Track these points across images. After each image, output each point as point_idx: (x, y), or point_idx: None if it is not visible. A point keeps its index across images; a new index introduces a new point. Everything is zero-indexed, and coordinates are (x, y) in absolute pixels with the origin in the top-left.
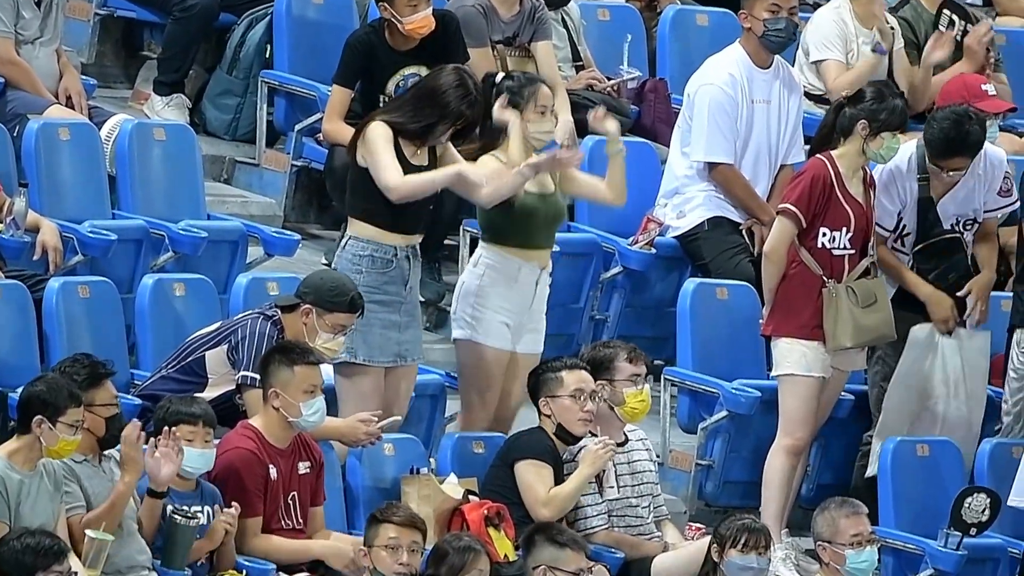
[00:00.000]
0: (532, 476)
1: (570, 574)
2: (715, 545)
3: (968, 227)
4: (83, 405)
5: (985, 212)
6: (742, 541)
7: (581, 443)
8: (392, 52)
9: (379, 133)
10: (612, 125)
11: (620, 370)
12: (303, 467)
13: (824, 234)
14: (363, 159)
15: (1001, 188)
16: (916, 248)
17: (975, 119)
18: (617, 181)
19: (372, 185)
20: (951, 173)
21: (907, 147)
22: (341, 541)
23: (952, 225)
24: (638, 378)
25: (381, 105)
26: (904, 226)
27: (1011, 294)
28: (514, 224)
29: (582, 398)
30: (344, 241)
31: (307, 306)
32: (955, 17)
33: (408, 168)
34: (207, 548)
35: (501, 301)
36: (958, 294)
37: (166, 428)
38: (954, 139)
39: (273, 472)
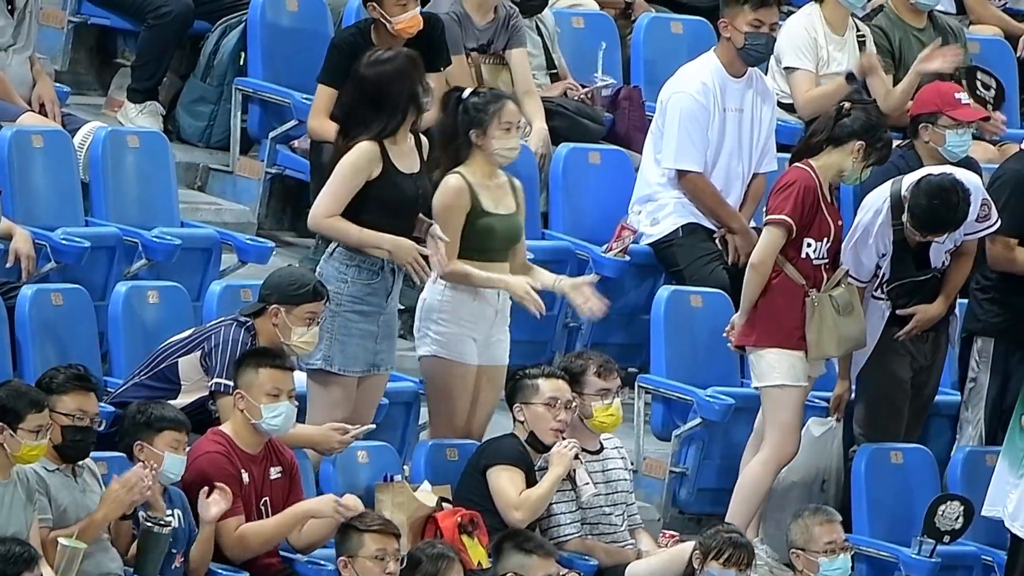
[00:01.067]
0: (504, 481)
1: None
2: (698, 552)
3: (949, 255)
4: (47, 411)
5: (965, 236)
6: (725, 555)
7: (552, 450)
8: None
9: (354, 159)
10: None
11: (589, 384)
12: (275, 472)
13: (809, 244)
14: None
15: (979, 215)
16: (892, 286)
17: (960, 193)
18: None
19: (365, 200)
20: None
21: (880, 193)
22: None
23: (937, 267)
24: (607, 392)
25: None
26: (884, 273)
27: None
28: (472, 241)
29: (556, 406)
30: (332, 249)
31: (274, 307)
32: (991, 81)
33: (402, 179)
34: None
35: (466, 316)
36: (897, 311)
37: (138, 446)
38: (942, 216)
39: (245, 477)
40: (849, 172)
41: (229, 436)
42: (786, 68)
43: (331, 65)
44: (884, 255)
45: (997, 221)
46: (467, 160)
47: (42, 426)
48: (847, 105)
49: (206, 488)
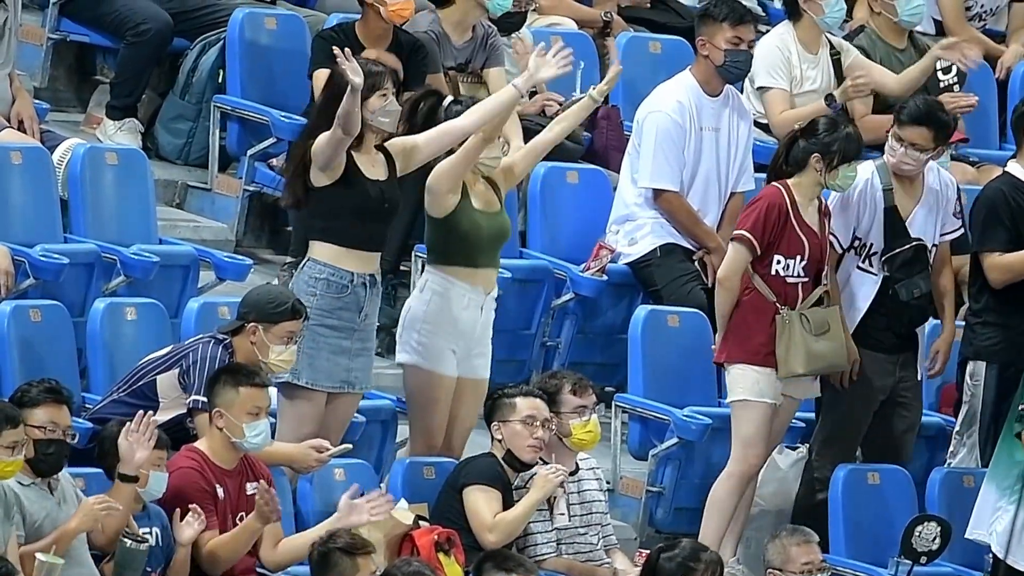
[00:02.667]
0: (480, 501)
1: None
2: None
3: (929, 252)
4: (23, 426)
5: (941, 235)
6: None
7: (533, 470)
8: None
9: (320, 137)
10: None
11: (565, 402)
12: (250, 488)
13: (779, 261)
14: (316, 176)
15: (954, 210)
16: (885, 258)
17: (948, 114)
18: (572, 122)
19: (329, 204)
20: (910, 150)
21: (866, 166)
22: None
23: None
24: (584, 409)
25: None
26: (871, 244)
27: (963, 323)
28: (460, 242)
29: (533, 424)
30: (303, 263)
31: (252, 324)
32: (956, 66)
33: (367, 183)
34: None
35: (448, 327)
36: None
37: (140, 412)
38: (924, 112)
39: (220, 492)
40: (830, 184)
41: (204, 452)
42: (759, 88)
43: (319, 53)
44: (863, 222)
45: (963, 227)
46: None
47: (17, 442)
48: (796, 128)
49: (179, 510)
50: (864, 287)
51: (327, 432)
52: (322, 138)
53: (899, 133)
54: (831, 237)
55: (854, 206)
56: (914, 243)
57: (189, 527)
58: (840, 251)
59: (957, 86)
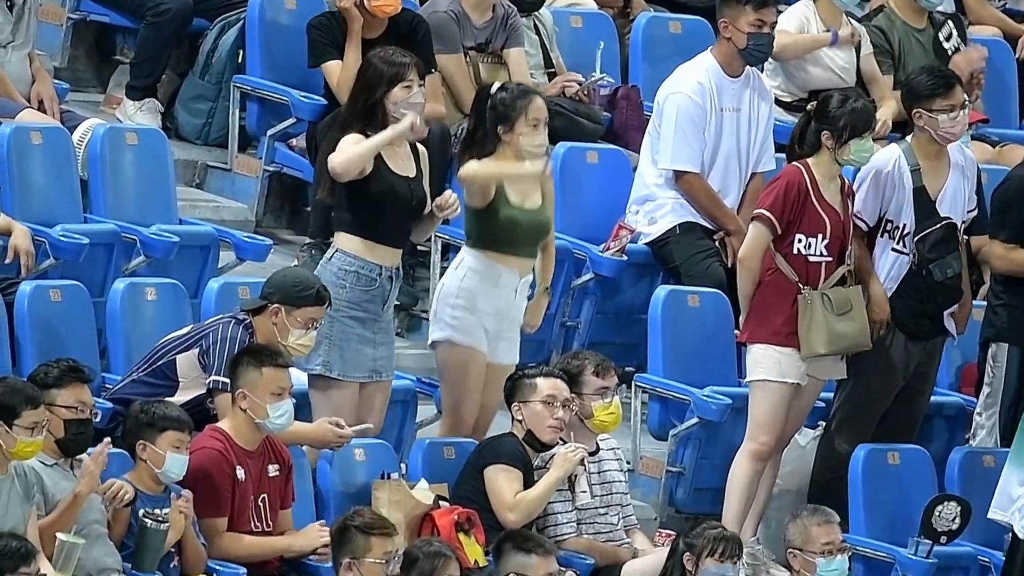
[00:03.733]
0: (501, 481)
1: None
2: (688, 554)
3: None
4: (43, 406)
5: (968, 212)
6: (719, 551)
7: (553, 450)
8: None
9: (346, 139)
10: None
11: (587, 384)
12: (272, 469)
13: (800, 240)
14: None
15: (976, 187)
16: (916, 238)
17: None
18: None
19: (357, 198)
20: (958, 113)
21: (892, 149)
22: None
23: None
24: (606, 391)
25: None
26: (904, 225)
27: (984, 303)
28: (497, 233)
29: (554, 405)
30: (331, 254)
31: (275, 306)
32: (954, 31)
33: (395, 179)
34: (172, 539)
35: (482, 305)
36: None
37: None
38: (940, 77)
39: (241, 473)
40: (843, 160)
41: (227, 432)
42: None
43: (318, 44)
44: (894, 200)
45: (977, 208)
46: (493, 155)
47: (38, 422)
48: (809, 109)
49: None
50: (896, 268)
51: (362, 422)
52: (336, 163)
53: (941, 104)
54: (859, 222)
55: (881, 188)
56: (944, 222)
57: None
58: (866, 230)
59: (962, 44)
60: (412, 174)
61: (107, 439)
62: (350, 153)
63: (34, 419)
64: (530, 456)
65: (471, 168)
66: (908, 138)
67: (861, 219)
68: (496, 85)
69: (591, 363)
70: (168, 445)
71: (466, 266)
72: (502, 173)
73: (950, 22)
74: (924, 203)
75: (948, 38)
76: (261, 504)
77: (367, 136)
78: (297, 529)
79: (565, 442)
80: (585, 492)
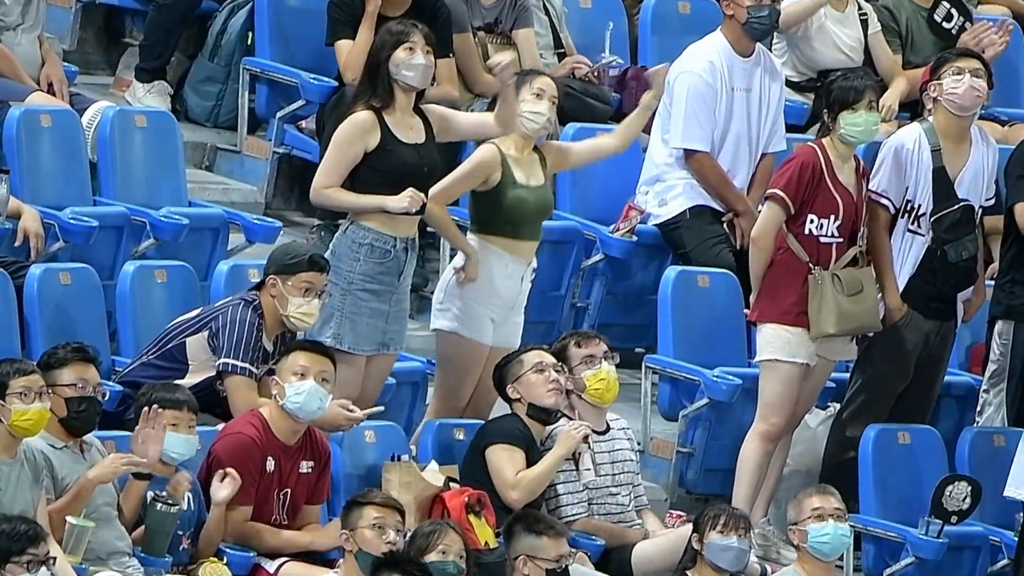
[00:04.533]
0: (503, 459)
1: (550, 562)
2: (695, 534)
3: (976, 214)
4: (36, 374)
5: (986, 200)
6: (721, 522)
7: (556, 425)
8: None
9: (346, 130)
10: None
11: (573, 356)
12: (305, 466)
13: (812, 221)
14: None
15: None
16: (933, 219)
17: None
18: (634, 130)
19: (370, 172)
20: (973, 78)
21: (914, 127)
22: (328, 534)
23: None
24: (592, 359)
25: None
26: (920, 206)
27: (991, 282)
28: (503, 215)
29: (544, 369)
30: (345, 226)
31: (271, 277)
32: (953, 11)
33: (404, 148)
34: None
35: (489, 296)
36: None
37: (146, 409)
38: (963, 47)
39: (270, 464)
40: (839, 133)
41: (266, 420)
42: None
43: (334, 22)
44: (917, 179)
45: (995, 196)
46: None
47: (29, 387)
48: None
49: (221, 472)
50: (914, 249)
51: (365, 392)
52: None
53: (957, 65)
54: (885, 201)
55: (903, 165)
56: (962, 204)
57: (224, 488)
58: (892, 212)
59: (968, 23)
60: (421, 140)
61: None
62: (332, 198)
63: (25, 384)
64: (534, 433)
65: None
66: (930, 118)
67: (886, 198)
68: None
69: (572, 337)
70: (166, 422)
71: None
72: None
73: (944, 2)
74: (943, 184)
75: (947, 19)
76: (282, 498)
77: (374, 109)
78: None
79: (570, 419)
80: (590, 470)
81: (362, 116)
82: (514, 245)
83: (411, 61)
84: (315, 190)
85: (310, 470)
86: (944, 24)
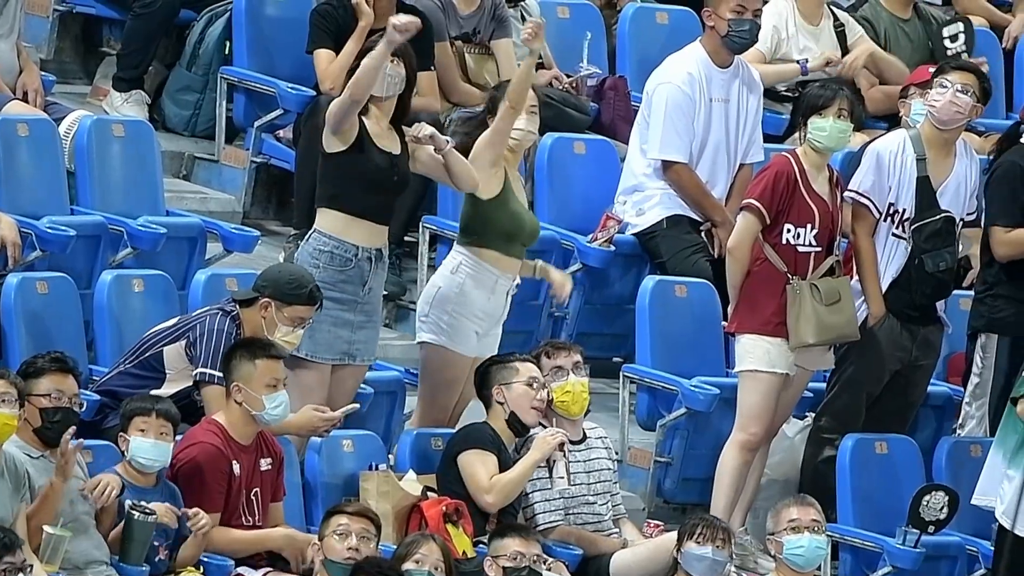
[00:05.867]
0: (476, 465)
1: (507, 559)
2: (675, 544)
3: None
4: (5, 380)
5: (968, 214)
6: (697, 532)
7: (530, 433)
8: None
9: (335, 103)
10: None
11: (543, 367)
12: (264, 464)
13: (788, 230)
14: (329, 142)
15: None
16: (914, 227)
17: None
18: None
19: (341, 170)
20: (959, 93)
21: (899, 132)
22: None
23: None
24: (560, 371)
25: None
26: (904, 210)
27: (970, 293)
28: (500, 230)
29: (535, 386)
30: (309, 234)
31: (266, 300)
32: (962, 35)
33: (378, 153)
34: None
35: (477, 310)
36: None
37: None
38: (966, 62)
39: (236, 468)
40: (819, 143)
41: (223, 426)
42: None
43: (316, 30)
44: (901, 184)
45: (976, 212)
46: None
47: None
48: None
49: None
50: (897, 254)
51: (332, 404)
52: (335, 103)
53: (945, 78)
54: (867, 202)
55: (885, 168)
56: (943, 215)
57: (202, 519)
58: (876, 216)
59: (965, 53)
60: (396, 151)
61: (72, 428)
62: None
63: None
64: (505, 441)
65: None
66: (917, 126)
67: (869, 199)
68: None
69: (540, 349)
70: (134, 429)
71: (464, 272)
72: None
73: (961, 24)
74: (926, 193)
75: (954, 39)
76: (253, 498)
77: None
78: (287, 524)
79: (545, 426)
80: (563, 478)
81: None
82: (504, 261)
83: (386, 71)
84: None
85: (269, 467)
86: (948, 42)
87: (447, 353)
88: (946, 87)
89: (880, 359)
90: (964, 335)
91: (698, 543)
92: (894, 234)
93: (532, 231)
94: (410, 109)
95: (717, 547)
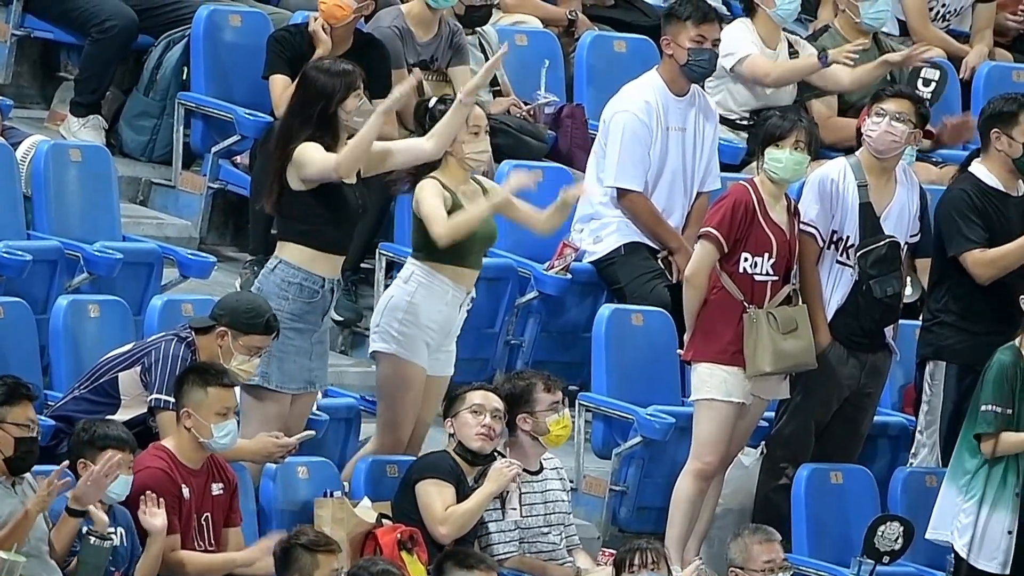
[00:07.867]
0: (432, 495)
1: None
2: None
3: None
4: None
5: (911, 236)
6: (630, 561)
7: (489, 464)
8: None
9: (309, 147)
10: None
11: (539, 401)
12: (216, 488)
13: (746, 259)
14: (295, 182)
15: (921, 211)
16: (859, 254)
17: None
18: (556, 222)
19: (308, 208)
20: (894, 121)
21: (838, 162)
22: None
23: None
24: (557, 405)
25: None
26: (848, 237)
27: (919, 323)
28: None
29: (481, 413)
30: (273, 264)
31: (222, 328)
32: (936, 82)
33: (344, 188)
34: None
35: (427, 320)
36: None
37: (109, 452)
38: (901, 88)
39: (186, 492)
40: (774, 173)
41: (171, 451)
42: (739, 60)
43: (273, 56)
44: (844, 213)
45: (920, 232)
46: (440, 168)
47: None
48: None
49: (143, 498)
50: (842, 281)
51: (289, 432)
52: (315, 157)
53: (880, 107)
54: (812, 230)
55: (828, 196)
56: (888, 240)
57: (158, 516)
58: (821, 244)
59: (930, 100)
60: (354, 181)
61: (64, 464)
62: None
63: None
64: (464, 471)
65: (451, 228)
66: (856, 153)
67: (814, 227)
68: (434, 99)
69: (539, 380)
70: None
71: (416, 280)
72: (475, 216)
73: (938, 72)
74: (869, 219)
75: (927, 83)
76: (204, 523)
77: (327, 147)
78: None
79: (503, 455)
80: (515, 509)
81: (312, 144)
82: (458, 273)
83: (361, 107)
84: (337, 164)
85: (221, 491)
86: (921, 85)
87: (399, 362)
88: (882, 115)
89: (828, 387)
90: (914, 365)
91: (632, 573)
92: (839, 261)
93: (485, 237)
94: None
95: (651, 570)
